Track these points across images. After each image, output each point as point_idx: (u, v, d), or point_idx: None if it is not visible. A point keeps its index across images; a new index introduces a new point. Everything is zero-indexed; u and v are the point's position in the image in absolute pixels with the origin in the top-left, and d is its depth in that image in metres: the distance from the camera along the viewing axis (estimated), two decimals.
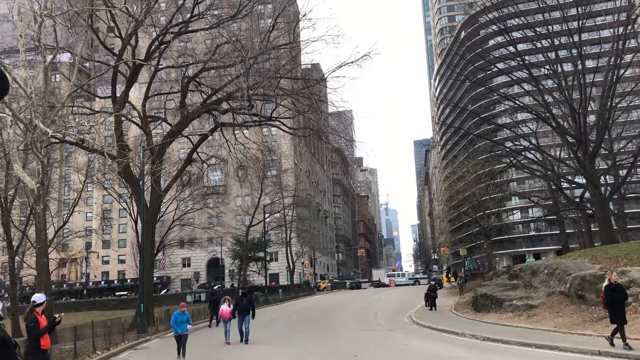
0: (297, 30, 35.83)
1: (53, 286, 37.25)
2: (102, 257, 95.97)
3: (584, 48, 36.98)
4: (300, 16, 34.87)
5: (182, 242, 61.75)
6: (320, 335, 22.11)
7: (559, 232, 57.84)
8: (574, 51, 35.72)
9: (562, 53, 38.94)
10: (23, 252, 36.27)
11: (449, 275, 74.69)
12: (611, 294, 13.86)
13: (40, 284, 23.70)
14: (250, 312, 19.96)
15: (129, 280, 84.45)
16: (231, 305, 20.44)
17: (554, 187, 44.17)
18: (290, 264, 70.93)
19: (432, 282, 39.37)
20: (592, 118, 39.62)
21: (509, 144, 45.80)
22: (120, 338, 22.53)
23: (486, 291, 27.08)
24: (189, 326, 16.41)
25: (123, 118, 32.77)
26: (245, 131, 37.48)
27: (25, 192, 30.82)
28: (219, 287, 63.35)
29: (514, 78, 42.55)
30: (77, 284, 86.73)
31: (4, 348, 0.78)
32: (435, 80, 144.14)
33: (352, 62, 33.49)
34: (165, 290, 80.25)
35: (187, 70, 34.53)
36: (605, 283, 14.36)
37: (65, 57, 38.60)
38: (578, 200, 41.63)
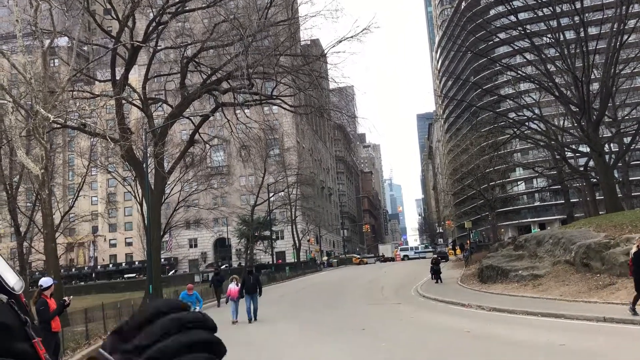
0: (296, 6, 35.44)
1: (62, 270, 37.64)
2: (109, 240, 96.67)
3: (586, 15, 36.47)
4: None
5: (188, 223, 62.13)
6: (328, 310, 22.32)
7: (563, 201, 57.87)
8: (576, 18, 35.22)
9: (564, 21, 38.43)
10: (31, 237, 36.52)
11: (455, 248, 75.04)
12: None
13: (49, 268, 23.92)
14: (258, 290, 20.05)
15: (136, 263, 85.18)
16: (239, 284, 20.44)
17: (558, 156, 44.02)
18: (296, 241, 71.32)
19: (434, 256, 39.51)
20: (595, 86, 39.24)
21: (512, 114, 45.58)
22: None
23: (492, 262, 27.22)
24: (198, 308, 16.03)
25: (124, 101, 32.66)
26: (246, 110, 37.34)
27: (30, 178, 30.94)
28: (222, 267, 63.90)
29: (516, 48, 42.10)
30: (86, 268, 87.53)
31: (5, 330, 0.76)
32: (436, 52, 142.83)
33: (352, 37, 33.23)
34: (173, 271, 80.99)
35: (186, 50, 34.25)
36: (634, 250, 13.38)
37: (63, 41, 38.33)
38: (582, 169, 41.51)
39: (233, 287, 20.45)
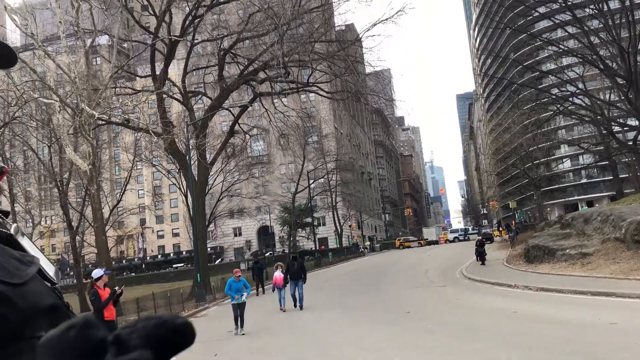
0: None
1: (113, 262, 38.96)
2: (157, 232, 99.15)
3: None
4: None
5: (232, 212, 63.11)
6: (372, 294, 22.44)
7: (612, 177, 56.13)
8: None
9: None
10: (82, 231, 37.89)
11: (500, 229, 73.86)
12: None
13: (101, 260, 24.84)
14: (303, 276, 19.65)
15: (184, 253, 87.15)
16: (283, 271, 20.02)
17: (604, 131, 42.65)
18: (338, 227, 71.58)
19: (479, 237, 38.98)
20: None
21: (554, 90, 44.38)
22: (180, 307, 23.55)
23: (538, 242, 26.73)
24: (245, 294, 15.50)
25: (164, 95, 33.36)
26: (283, 99, 37.57)
27: (79, 174, 32.02)
28: (266, 255, 64.75)
29: (557, 21, 40.84)
30: (136, 259, 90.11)
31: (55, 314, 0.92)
32: (474, 30, 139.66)
33: (386, 19, 32.92)
34: (219, 259, 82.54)
35: (222, 42, 34.64)
36: None
37: (103, 39, 39.29)
38: (631, 143, 40.10)
39: (278, 274, 20.00)
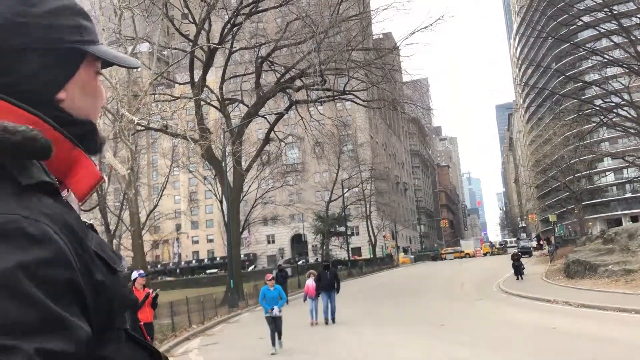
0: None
1: (149, 266, 39.53)
2: (192, 237, 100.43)
3: None
4: None
5: (266, 219, 63.48)
6: (406, 306, 22.07)
7: None
8: None
9: None
10: (120, 235, 38.61)
11: (540, 243, 72.04)
12: None
13: (137, 264, 25.15)
14: (336, 286, 18.26)
15: (218, 258, 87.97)
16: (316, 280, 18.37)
17: None
18: (372, 237, 71.07)
19: (515, 251, 37.82)
20: None
21: (598, 101, 43.12)
22: (213, 312, 23.62)
23: (579, 257, 25.90)
24: (278, 307, 13.23)
25: (202, 102, 33.77)
26: (319, 107, 37.56)
27: (117, 179, 32.67)
28: (299, 263, 64.61)
29: (602, 31, 39.72)
30: (171, 264, 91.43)
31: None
32: (514, 40, 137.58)
33: (425, 28, 32.69)
34: (252, 266, 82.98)
35: (260, 50, 34.92)
36: None
37: (144, 46, 40.13)
38: None
39: (310, 283, 18.30)
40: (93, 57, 1.01)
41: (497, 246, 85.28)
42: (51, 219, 0.80)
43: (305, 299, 18.52)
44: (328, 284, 18.13)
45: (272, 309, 13.07)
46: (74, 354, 0.71)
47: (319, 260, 64.58)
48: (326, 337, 15.32)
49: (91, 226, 0.94)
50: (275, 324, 13.05)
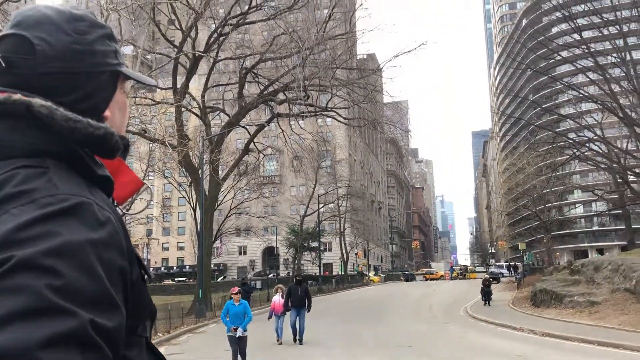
0: (353, 20, 35.70)
1: None
2: (162, 243, 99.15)
3: None
4: (356, 6, 34.74)
5: (239, 230, 62.97)
6: (375, 326, 22.13)
7: (624, 227, 55.41)
8: None
9: (632, 40, 37.15)
10: None
11: (510, 269, 72.89)
12: None
13: None
14: (307, 303, 16.78)
15: (187, 267, 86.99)
16: (284, 296, 16.98)
17: (619, 180, 42.30)
18: (344, 254, 71.16)
19: (486, 276, 38.29)
20: None
21: (572, 135, 44.17)
22: (180, 322, 23.34)
23: (546, 286, 26.36)
24: (243, 328, 11.79)
25: (183, 108, 33.64)
26: (300, 121, 37.73)
27: None
28: (270, 276, 64.22)
29: (579, 67, 40.87)
30: None
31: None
32: (494, 69, 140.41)
33: (408, 52, 33.20)
34: (222, 277, 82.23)
35: (245, 61, 35.01)
36: None
37: (127, 49, 39.90)
38: None
39: (277, 299, 17.05)
40: (124, 77, 1.10)
41: (457, 271, 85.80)
42: (112, 211, 0.90)
43: (270, 316, 17.06)
44: (299, 301, 16.67)
45: (236, 329, 11.66)
46: (115, 333, 0.79)
47: (290, 274, 64.34)
48: (293, 358, 14.73)
49: None
50: (239, 344, 11.74)
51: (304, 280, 18.42)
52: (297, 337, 16.64)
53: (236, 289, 12.69)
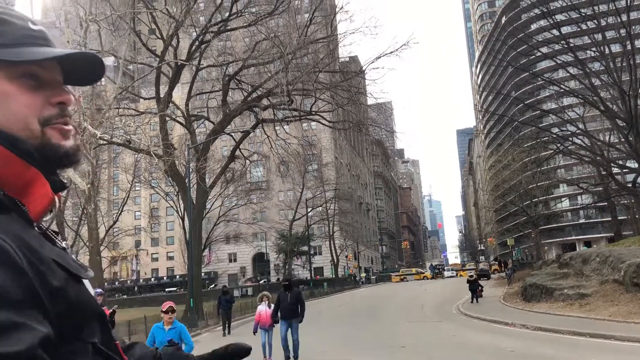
0: (335, 23, 35.78)
1: (106, 284, 38.52)
2: (152, 254, 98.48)
3: (633, 27, 35.59)
4: (337, 9, 34.82)
5: (228, 237, 62.92)
6: (368, 327, 22.13)
7: (610, 219, 56.06)
8: (622, 31, 34.42)
9: (610, 34, 37.60)
10: (77, 251, 37.61)
11: (501, 265, 73.34)
12: None
13: (94, 281, 24.57)
14: (299, 312, 13.83)
15: (177, 277, 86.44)
16: (272, 306, 14.18)
17: (604, 172, 42.78)
18: (334, 257, 71.17)
19: (469, 274, 38.17)
20: None
21: (555, 130, 44.66)
22: None
23: (535, 281, 26.53)
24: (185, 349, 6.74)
25: (167, 118, 33.49)
26: (285, 126, 37.73)
27: (76, 193, 31.93)
28: (261, 282, 63.98)
29: (559, 62, 41.36)
30: (129, 281, 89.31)
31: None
32: (476, 67, 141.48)
33: (390, 53, 33.34)
34: (213, 285, 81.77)
35: (228, 68, 34.96)
36: None
37: (109, 60, 39.71)
38: (630, 185, 40.18)
39: (263, 309, 14.11)
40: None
41: (436, 270, 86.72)
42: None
43: (256, 330, 13.97)
44: (289, 310, 13.62)
45: None
46: (25, 354, 0.72)
47: (281, 279, 64.20)
48: None
49: (53, 240, 0.99)
50: None
51: (295, 285, 15.09)
52: (292, 355, 13.65)
53: (167, 305, 8.75)
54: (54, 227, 1.08)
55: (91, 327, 0.93)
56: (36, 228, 0.97)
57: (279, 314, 13.68)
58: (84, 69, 1.07)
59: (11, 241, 0.82)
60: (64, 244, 1.06)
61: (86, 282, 1.00)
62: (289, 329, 13.60)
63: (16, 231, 0.86)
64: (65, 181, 1.11)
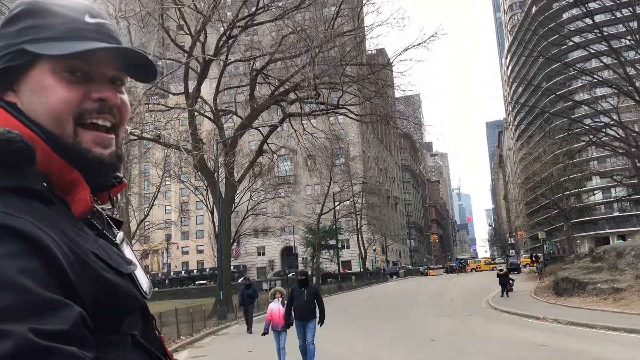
0: (362, 15, 35.57)
1: None
2: (182, 247, 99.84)
3: None
4: (364, 1, 34.61)
5: (256, 231, 63.22)
6: (396, 321, 22.08)
7: None
8: None
9: None
10: None
11: (532, 258, 72.32)
12: None
13: None
14: (318, 312, 11.43)
15: (207, 270, 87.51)
16: (285, 304, 11.79)
17: (639, 164, 41.67)
18: (362, 251, 71.09)
19: (500, 268, 37.58)
20: None
21: (587, 121, 43.63)
22: (202, 324, 23.49)
23: (568, 274, 26.06)
24: None
25: (196, 113, 33.81)
26: (312, 120, 37.72)
27: None
28: (289, 275, 64.24)
29: (592, 51, 40.32)
30: (160, 274, 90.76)
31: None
32: (506, 58, 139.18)
33: (418, 45, 32.99)
34: (242, 278, 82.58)
35: (255, 63, 35.08)
36: None
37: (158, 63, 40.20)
38: None
39: (275, 308, 12.06)
40: (49, 56, 0.96)
41: (460, 264, 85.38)
42: (34, 216, 0.81)
43: (267, 331, 11.96)
44: (305, 309, 11.35)
45: None
46: (70, 332, 0.72)
47: (310, 273, 64.41)
48: None
49: (103, 233, 0.99)
50: None
51: (310, 280, 13.22)
52: None
53: None
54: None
55: (132, 320, 0.93)
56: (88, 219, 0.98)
57: (292, 313, 11.38)
58: (140, 65, 1.05)
59: (49, 230, 0.81)
60: (118, 237, 1.05)
61: (139, 273, 1.00)
62: (306, 332, 11.31)
63: (49, 216, 0.86)
64: (119, 178, 1.11)
